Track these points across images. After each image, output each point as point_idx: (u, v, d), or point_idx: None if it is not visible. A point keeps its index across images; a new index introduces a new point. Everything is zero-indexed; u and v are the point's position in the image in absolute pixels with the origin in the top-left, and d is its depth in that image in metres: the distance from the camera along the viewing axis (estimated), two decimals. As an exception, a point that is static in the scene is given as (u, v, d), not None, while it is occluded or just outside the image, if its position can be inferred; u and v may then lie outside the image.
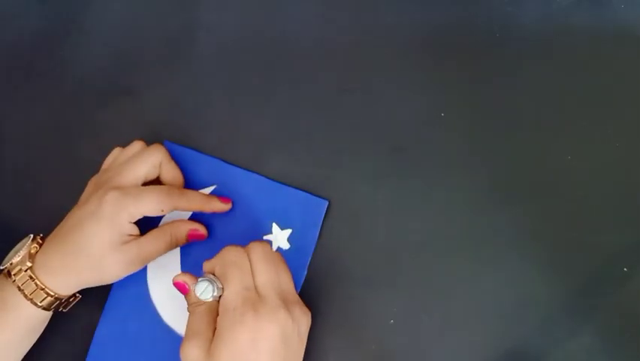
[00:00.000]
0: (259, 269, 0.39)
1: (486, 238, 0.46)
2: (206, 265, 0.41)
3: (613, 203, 0.46)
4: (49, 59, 0.53)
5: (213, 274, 0.40)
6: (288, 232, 0.47)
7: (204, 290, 0.38)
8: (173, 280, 0.41)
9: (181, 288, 0.41)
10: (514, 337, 0.44)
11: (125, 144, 0.47)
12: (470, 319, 0.45)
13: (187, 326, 0.39)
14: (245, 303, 0.37)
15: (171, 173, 0.46)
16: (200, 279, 0.39)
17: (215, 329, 0.38)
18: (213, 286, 0.39)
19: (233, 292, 0.38)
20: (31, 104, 0.52)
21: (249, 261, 0.40)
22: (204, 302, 0.39)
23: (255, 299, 0.38)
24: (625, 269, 0.45)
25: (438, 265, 0.46)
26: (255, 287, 0.39)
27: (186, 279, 0.41)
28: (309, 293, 0.46)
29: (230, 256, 0.40)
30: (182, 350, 0.38)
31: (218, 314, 0.39)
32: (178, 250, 0.47)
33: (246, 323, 0.37)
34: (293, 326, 0.38)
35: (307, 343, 0.41)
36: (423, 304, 0.45)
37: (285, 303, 0.38)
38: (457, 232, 0.46)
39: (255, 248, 0.40)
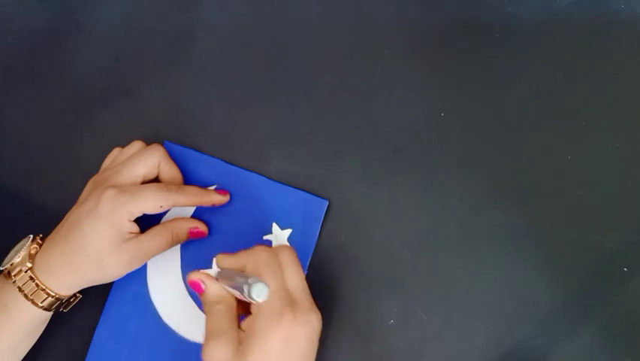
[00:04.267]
0: (291, 271, 0.39)
1: (486, 238, 0.46)
2: (229, 261, 0.40)
3: (613, 203, 0.46)
4: (49, 59, 0.53)
5: (242, 272, 0.39)
6: (288, 231, 0.47)
7: (261, 291, 0.35)
8: (187, 278, 0.40)
9: (196, 287, 0.39)
10: (514, 337, 0.44)
11: (124, 144, 0.47)
12: (470, 319, 0.45)
13: (207, 326, 0.38)
14: (283, 304, 0.36)
15: (170, 173, 0.46)
16: (252, 280, 0.36)
17: (237, 327, 0.38)
18: (268, 286, 0.36)
19: (271, 292, 0.37)
20: (31, 104, 0.52)
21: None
22: (222, 300, 0.38)
23: (291, 301, 0.37)
24: (625, 269, 0.45)
25: (438, 265, 0.46)
26: (287, 289, 0.38)
27: (203, 278, 0.39)
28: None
29: (263, 256, 0.39)
30: (205, 351, 0.36)
31: (237, 313, 0.38)
32: (178, 248, 0.47)
33: (283, 324, 0.36)
34: (319, 329, 0.38)
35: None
36: (423, 304, 0.45)
37: (314, 306, 0.38)
38: (457, 232, 0.46)
39: (285, 251, 0.40)
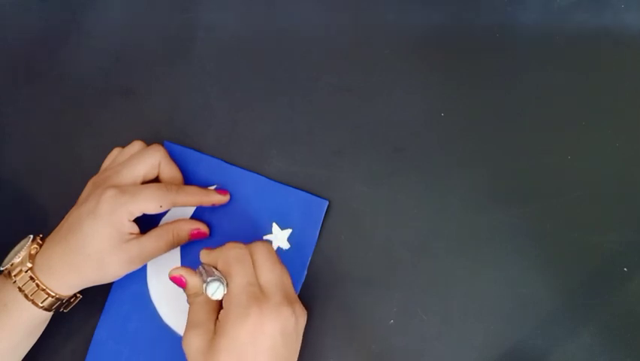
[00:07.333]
0: (263, 267, 0.40)
1: (486, 238, 0.46)
2: (206, 257, 0.42)
3: (613, 203, 0.46)
4: (49, 59, 0.53)
5: (215, 268, 0.40)
6: (288, 231, 0.47)
7: (216, 290, 0.38)
8: (169, 275, 0.42)
9: (178, 282, 0.41)
10: (514, 337, 0.44)
11: (124, 144, 0.47)
12: (470, 319, 0.45)
13: (188, 317, 0.40)
14: (249, 299, 0.37)
15: (170, 173, 0.46)
16: (209, 279, 0.39)
17: (216, 319, 0.39)
18: (223, 285, 0.39)
19: (239, 288, 0.38)
20: (31, 104, 0.52)
21: (252, 259, 0.40)
22: (203, 293, 0.39)
23: (259, 295, 0.38)
24: (625, 269, 0.45)
25: (438, 265, 0.46)
26: (259, 285, 0.39)
27: (182, 272, 0.41)
28: (309, 293, 0.46)
29: (232, 253, 0.40)
30: (184, 339, 0.39)
31: (217, 305, 0.39)
32: (178, 249, 0.47)
33: (250, 318, 0.37)
34: (294, 324, 0.38)
35: (307, 343, 0.41)
36: (422, 305, 0.45)
37: (288, 301, 0.38)
38: (457, 232, 0.46)
39: (259, 246, 0.41)
